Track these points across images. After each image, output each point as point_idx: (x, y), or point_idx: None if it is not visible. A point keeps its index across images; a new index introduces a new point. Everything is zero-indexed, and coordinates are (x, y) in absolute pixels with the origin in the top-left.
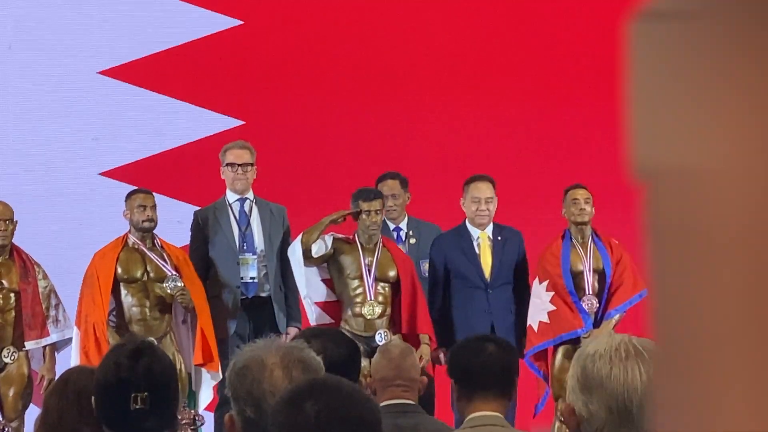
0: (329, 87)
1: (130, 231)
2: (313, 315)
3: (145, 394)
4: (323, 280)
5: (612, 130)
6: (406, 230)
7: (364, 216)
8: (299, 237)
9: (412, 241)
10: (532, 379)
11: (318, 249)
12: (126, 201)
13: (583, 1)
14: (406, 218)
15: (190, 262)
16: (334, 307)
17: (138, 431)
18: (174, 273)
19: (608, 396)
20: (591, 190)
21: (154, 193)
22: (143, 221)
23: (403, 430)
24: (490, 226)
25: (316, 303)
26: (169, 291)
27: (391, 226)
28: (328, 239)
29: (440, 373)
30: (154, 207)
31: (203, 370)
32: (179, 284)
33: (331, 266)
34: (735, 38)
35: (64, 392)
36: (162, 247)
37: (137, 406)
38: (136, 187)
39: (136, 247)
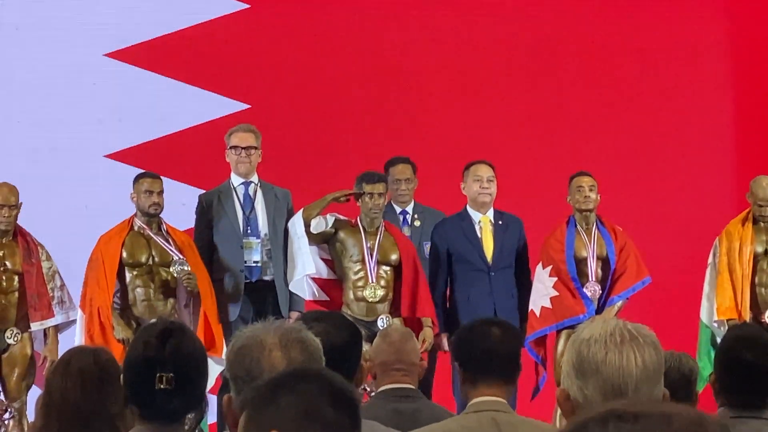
0: (335, 71)
1: (136, 214)
2: (307, 291)
3: (171, 375)
4: (323, 260)
5: (615, 118)
6: (411, 214)
7: (366, 198)
8: (300, 212)
9: (417, 223)
10: (532, 364)
11: (317, 225)
12: (134, 184)
13: None
14: (413, 203)
15: (195, 248)
16: (332, 285)
17: (163, 411)
18: (180, 257)
19: (603, 381)
20: (595, 177)
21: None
22: (149, 206)
23: (402, 415)
24: (491, 211)
25: (314, 279)
26: (175, 275)
27: (398, 209)
28: (329, 218)
29: (440, 359)
30: (160, 193)
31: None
32: (186, 268)
33: (332, 248)
34: None
35: (66, 372)
36: (168, 231)
37: (162, 386)
38: (143, 171)
39: (142, 231)
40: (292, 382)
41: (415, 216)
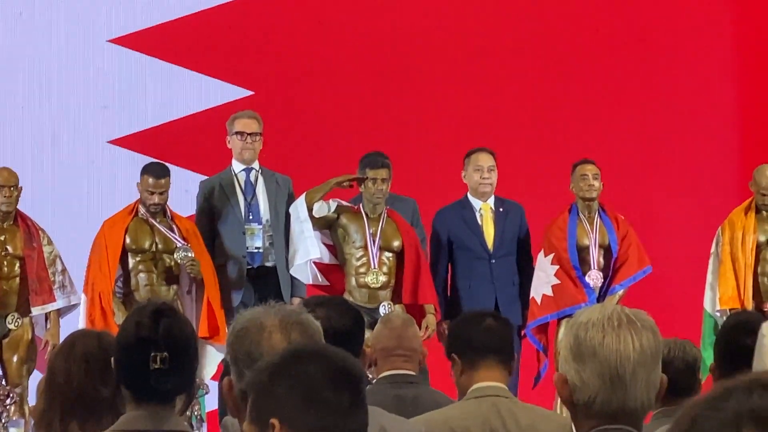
0: (338, 58)
1: (140, 200)
2: (309, 275)
3: (165, 354)
4: (325, 245)
5: (618, 106)
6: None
7: (369, 183)
8: (302, 196)
9: None
10: (533, 352)
11: (319, 209)
12: (140, 175)
13: None
14: None
15: (199, 235)
16: (334, 270)
17: (157, 392)
18: (184, 243)
19: (601, 364)
20: (597, 165)
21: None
22: (149, 205)
23: (404, 401)
24: (492, 198)
25: (315, 263)
26: (179, 261)
27: None
28: (332, 203)
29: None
30: (162, 193)
31: (207, 342)
32: (190, 254)
33: (334, 234)
34: None
35: (70, 354)
36: (173, 218)
37: (156, 366)
38: (152, 161)
39: (146, 218)
40: (290, 365)
41: (386, 207)
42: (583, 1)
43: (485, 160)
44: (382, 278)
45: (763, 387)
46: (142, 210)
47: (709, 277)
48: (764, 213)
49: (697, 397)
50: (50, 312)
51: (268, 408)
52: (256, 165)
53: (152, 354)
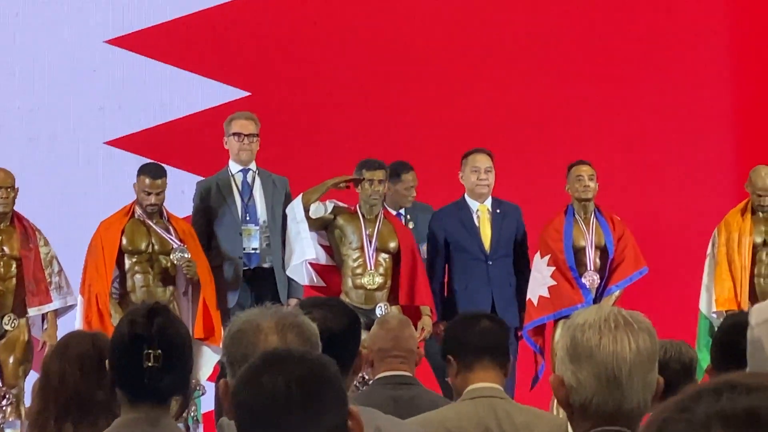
0: (335, 58)
1: (137, 202)
2: (305, 276)
3: (159, 351)
4: (321, 246)
5: (614, 106)
6: (405, 215)
7: (366, 185)
8: (299, 197)
9: (411, 225)
10: (531, 354)
11: (316, 210)
12: (137, 175)
13: None
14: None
15: (195, 236)
16: (330, 271)
17: (152, 390)
18: (181, 244)
19: (597, 365)
20: (593, 166)
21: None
22: (146, 206)
23: (400, 402)
24: (489, 200)
25: (312, 265)
26: (175, 262)
27: (392, 211)
28: (329, 204)
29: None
30: (159, 193)
31: (203, 343)
32: (186, 255)
33: (331, 235)
34: None
35: (64, 356)
36: (169, 219)
37: (150, 364)
38: (149, 162)
39: (142, 219)
40: (247, 379)
41: (408, 217)
42: (581, 2)
43: (482, 161)
44: (379, 279)
45: (731, 389)
46: (138, 211)
47: (705, 278)
48: (760, 214)
49: (667, 401)
50: (47, 313)
51: (237, 422)
52: (253, 166)
53: (145, 352)
